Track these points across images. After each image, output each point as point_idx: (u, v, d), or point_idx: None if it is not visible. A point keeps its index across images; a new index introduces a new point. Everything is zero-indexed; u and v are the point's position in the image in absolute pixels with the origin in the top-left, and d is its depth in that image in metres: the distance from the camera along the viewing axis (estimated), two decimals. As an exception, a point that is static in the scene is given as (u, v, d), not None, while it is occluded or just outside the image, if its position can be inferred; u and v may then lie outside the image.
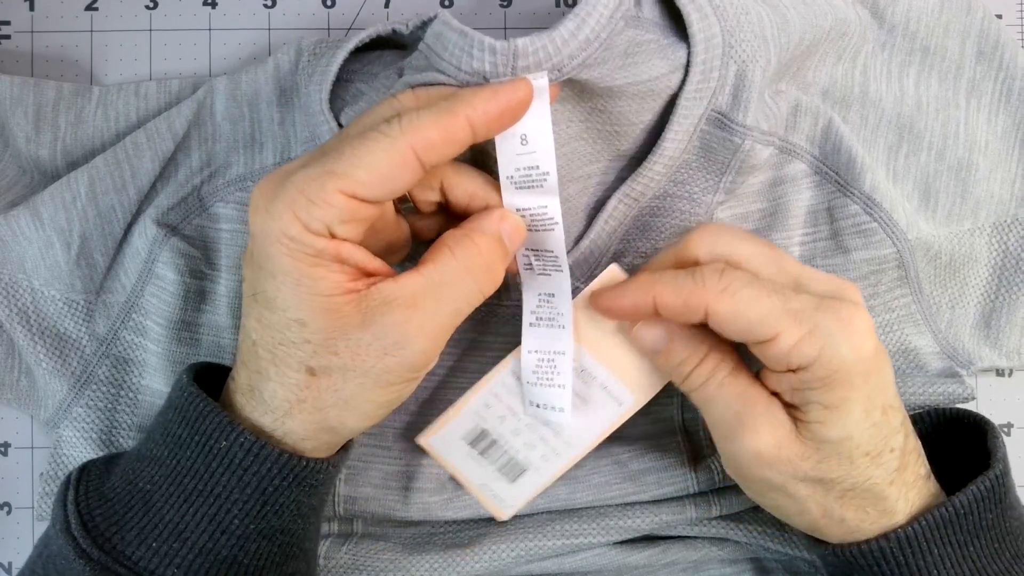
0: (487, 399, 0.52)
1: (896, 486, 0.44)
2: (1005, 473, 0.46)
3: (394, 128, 0.39)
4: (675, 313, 0.44)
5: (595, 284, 0.49)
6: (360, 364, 0.41)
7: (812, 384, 0.42)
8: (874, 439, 0.43)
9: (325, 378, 0.41)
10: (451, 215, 0.47)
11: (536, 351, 0.50)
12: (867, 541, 0.44)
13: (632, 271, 0.49)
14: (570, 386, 0.49)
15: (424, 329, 0.41)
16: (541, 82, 0.42)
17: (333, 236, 0.40)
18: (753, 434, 0.43)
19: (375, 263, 0.42)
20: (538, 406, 0.51)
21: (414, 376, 0.43)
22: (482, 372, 0.54)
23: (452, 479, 0.54)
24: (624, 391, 0.50)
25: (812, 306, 0.41)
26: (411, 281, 0.42)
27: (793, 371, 0.42)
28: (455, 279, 0.42)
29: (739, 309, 0.42)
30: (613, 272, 0.49)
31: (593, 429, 0.51)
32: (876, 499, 0.44)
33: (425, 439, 0.53)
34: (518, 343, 0.51)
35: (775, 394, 0.44)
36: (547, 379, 0.50)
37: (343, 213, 0.39)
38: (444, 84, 0.43)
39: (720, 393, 0.45)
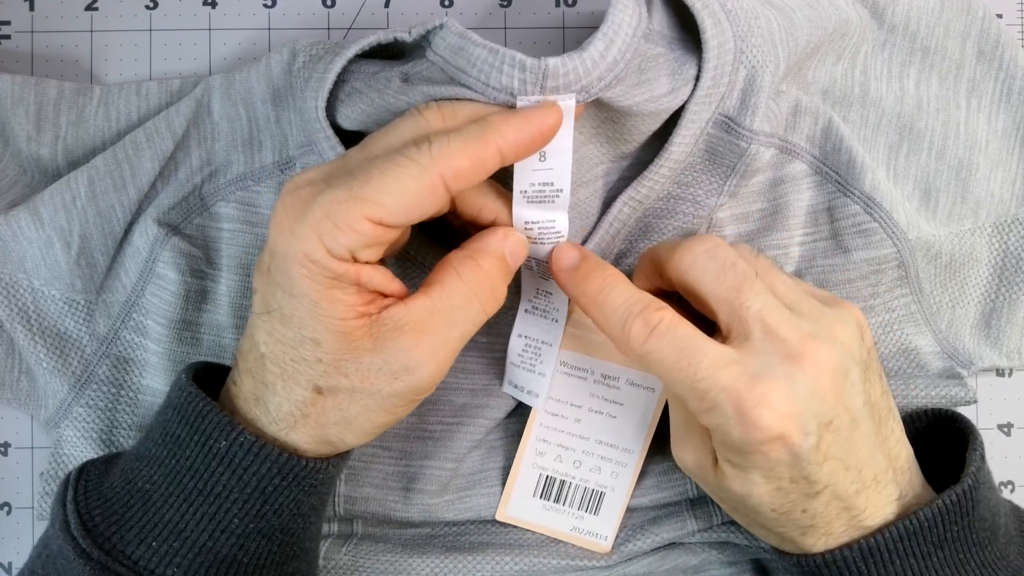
0: (537, 447, 0.53)
1: (811, 536, 0.45)
2: (975, 487, 0.45)
3: (424, 155, 0.39)
4: None
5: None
6: (368, 387, 0.41)
7: (716, 442, 0.44)
8: (779, 500, 0.43)
9: (331, 398, 0.42)
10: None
11: (525, 336, 0.51)
12: (831, 551, 0.45)
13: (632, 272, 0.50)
14: (549, 375, 0.51)
15: (433, 354, 0.42)
16: (568, 103, 0.43)
17: (355, 260, 0.40)
18: (681, 450, 0.47)
19: (394, 285, 0.42)
20: (516, 387, 0.52)
21: (417, 399, 0.43)
22: (484, 373, 0.54)
23: (538, 531, 0.55)
24: (650, 377, 0.52)
25: (719, 387, 0.41)
26: (420, 305, 0.42)
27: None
28: (462, 302, 0.43)
29: (653, 372, 0.43)
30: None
31: (643, 425, 0.53)
32: (789, 540, 0.45)
33: (503, 513, 0.54)
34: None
35: None
36: (529, 364, 0.51)
37: (367, 239, 0.39)
38: (470, 100, 0.43)
39: (672, 403, 0.48)
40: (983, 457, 0.48)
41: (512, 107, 0.43)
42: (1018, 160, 0.56)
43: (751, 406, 0.41)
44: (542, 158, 0.44)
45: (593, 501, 0.54)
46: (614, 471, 0.53)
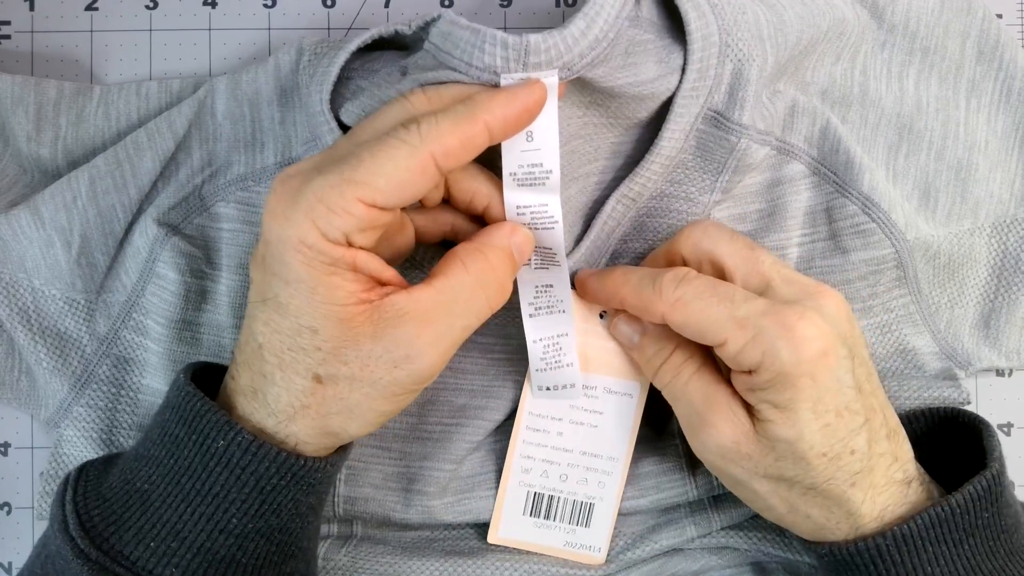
0: (523, 465, 0.53)
1: (859, 489, 0.44)
2: (1001, 472, 0.46)
3: (413, 135, 0.39)
4: (638, 313, 0.48)
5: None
6: (368, 375, 0.41)
7: (761, 385, 0.43)
8: (828, 440, 0.43)
9: (332, 386, 0.41)
10: (454, 208, 0.48)
11: (540, 339, 0.51)
12: (864, 538, 0.45)
13: None
14: (577, 363, 0.51)
15: (435, 344, 0.42)
16: (551, 80, 0.43)
17: (350, 244, 0.40)
18: (713, 430, 0.46)
19: (388, 272, 0.42)
20: (549, 389, 0.52)
21: (418, 388, 0.43)
22: (483, 374, 0.54)
23: (528, 550, 0.55)
24: (626, 383, 0.52)
25: (759, 312, 0.43)
26: (424, 295, 0.42)
27: (747, 373, 0.44)
28: (468, 294, 0.43)
29: (689, 319, 0.44)
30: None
31: (624, 431, 0.53)
32: (838, 500, 0.45)
33: (494, 536, 0.54)
34: (518, 345, 0.52)
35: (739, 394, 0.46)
36: (555, 362, 0.51)
37: (361, 222, 0.39)
38: (455, 81, 0.44)
39: (685, 390, 0.47)
40: (1000, 444, 0.48)
41: (496, 86, 0.43)
42: (1017, 160, 0.56)
43: (795, 321, 0.42)
44: (529, 138, 0.44)
45: (583, 513, 0.54)
46: (601, 481, 0.53)
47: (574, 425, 0.52)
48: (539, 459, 0.53)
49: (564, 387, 0.52)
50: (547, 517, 0.54)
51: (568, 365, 0.51)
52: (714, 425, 0.45)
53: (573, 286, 0.51)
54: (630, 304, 0.47)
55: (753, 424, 0.45)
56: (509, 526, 0.54)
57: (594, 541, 0.54)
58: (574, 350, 0.51)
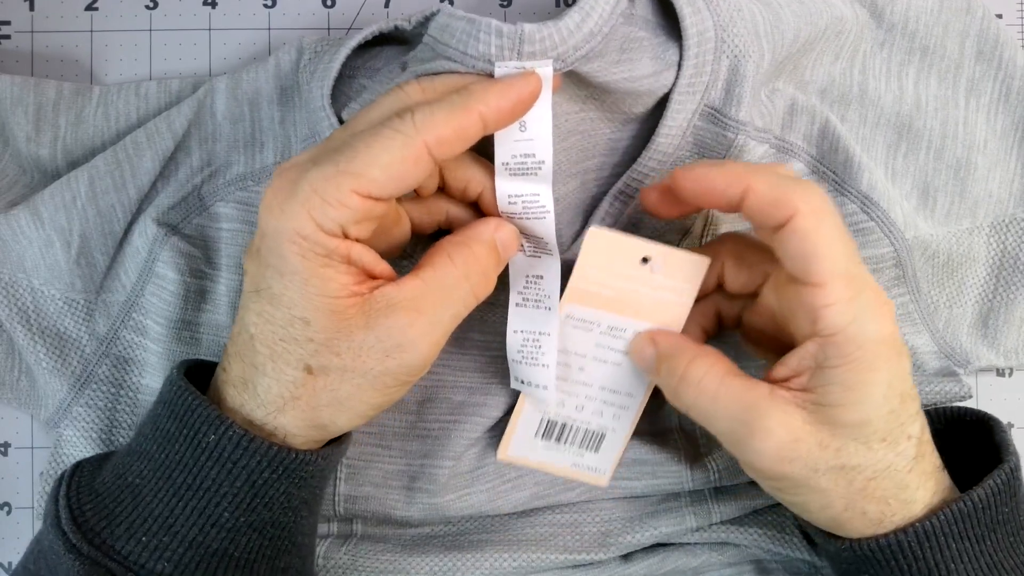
0: (540, 395, 0.53)
1: (915, 474, 0.44)
2: (1018, 466, 0.46)
3: (408, 125, 0.40)
4: (757, 207, 0.42)
5: (581, 255, 0.48)
6: (360, 366, 0.41)
7: (835, 361, 0.41)
8: (890, 425, 0.42)
9: (322, 377, 0.42)
10: (448, 196, 0.48)
11: (521, 331, 0.51)
12: (885, 535, 0.44)
13: None
14: (553, 366, 0.50)
15: (426, 333, 0.42)
16: (545, 71, 0.43)
17: (345, 236, 0.40)
18: (765, 434, 0.42)
19: (381, 266, 0.43)
20: (523, 383, 0.52)
21: (409, 380, 0.44)
22: (481, 371, 0.54)
23: (540, 470, 0.55)
24: (655, 328, 0.50)
25: (864, 277, 0.42)
26: (412, 285, 0.42)
27: (819, 339, 0.42)
28: (454, 285, 0.43)
29: (816, 235, 0.41)
30: (594, 233, 0.48)
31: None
32: (897, 488, 0.43)
33: (504, 453, 0.54)
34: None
35: (787, 382, 0.43)
36: (532, 358, 0.51)
37: (357, 213, 0.40)
38: (450, 71, 0.44)
39: (715, 405, 0.44)
40: (1012, 439, 0.48)
41: (490, 75, 0.44)
42: (1016, 160, 0.56)
43: (884, 300, 0.42)
44: (522, 128, 0.44)
45: (594, 440, 0.53)
46: (616, 414, 0.53)
47: (597, 362, 0.51)
48: (558, 391, 0.52)
49: (536, 386, 0.51)
50: (558, 440, 0.54)
51: (544, 366, 0.51)
52: (765, 428, 0.42)
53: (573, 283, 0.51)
54: (759, 190, 0.42)
55: (807, 414, 0.43)
56: (519, 446, 0.54)
57: (600, 464, 0.54)
58: (553, 352, 0.50)
